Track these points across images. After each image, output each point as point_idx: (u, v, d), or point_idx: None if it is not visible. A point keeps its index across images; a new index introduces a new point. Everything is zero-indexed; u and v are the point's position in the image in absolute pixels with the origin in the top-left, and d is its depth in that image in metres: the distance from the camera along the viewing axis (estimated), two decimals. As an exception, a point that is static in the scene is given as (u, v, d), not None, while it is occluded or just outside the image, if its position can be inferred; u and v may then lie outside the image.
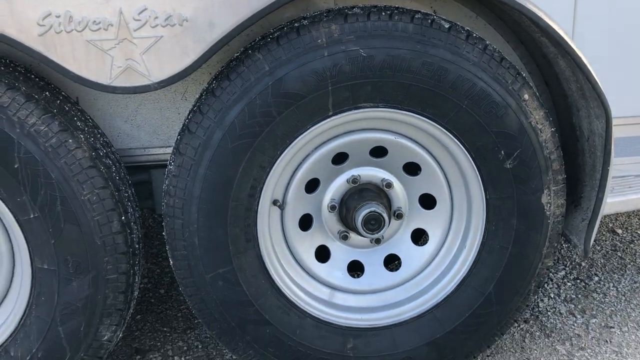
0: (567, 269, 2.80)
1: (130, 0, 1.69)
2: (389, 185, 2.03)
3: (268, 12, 1.74)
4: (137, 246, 1.96)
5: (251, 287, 1.93)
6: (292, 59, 1.77)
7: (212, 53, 1.77)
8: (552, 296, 2.60)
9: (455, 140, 1.90)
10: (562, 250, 2.92)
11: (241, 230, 1.88)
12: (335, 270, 2.10)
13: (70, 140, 1.79)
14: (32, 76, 1.85)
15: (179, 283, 1.96)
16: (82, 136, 1.83)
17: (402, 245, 2.13)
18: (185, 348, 2.42)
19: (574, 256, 2.88)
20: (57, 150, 1.77)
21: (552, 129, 1.91)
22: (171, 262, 1.94)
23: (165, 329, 2.54)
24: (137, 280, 2.00)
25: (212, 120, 1.80)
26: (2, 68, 1.78)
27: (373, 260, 2.13)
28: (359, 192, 2.03)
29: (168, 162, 1.90)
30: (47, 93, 1.83)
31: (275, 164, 1.86)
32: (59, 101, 1.85)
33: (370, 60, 1.77)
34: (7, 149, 1.73)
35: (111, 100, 2.05)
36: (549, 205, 1.94)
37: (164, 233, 1.93)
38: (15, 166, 1.75)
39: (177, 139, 1.89)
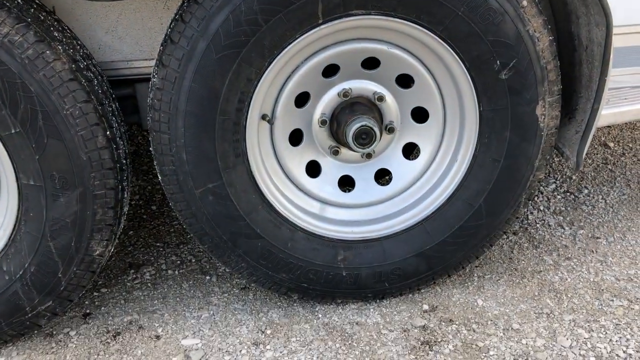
0: (557, 182, 2.81)
1: None
2: (381, 98, 1.98)
3: None
4: (124, 161, 1.92)
5: (242, 202, 1.92)
6: (278, -38, 1.66)
7: (193, -45, 1.65)
8: (541, 209, 2.63)
9: (450, 50, 1.83)
10: (553, 164, 2.92)
11: (230, 145, 1.85)
12: (326, 185, 2.09)
13: (47, 52, 1.71)
14: (2, -18, 1.74)
15: (168, 199, 1.95)
16: (60, 47, 1.74)
17: (393, 159, 2.11)
18: (178, 262, 2.45)
19: (565, 169, 2.88)
20: (34, 62, 1.69)
21: (550, 38, 1.84)
22: (160, 178, 1.92)
23: (158, 244, 2.56)
24: (126, 195, 1.98)
25: (195, 29, 1.71)
26: (-31, -27, 1.66)
27: (364, 174, 2.12)
28: (350, 105, 1.98)
29: (151, 75, 1.83)
30: (19, 1, 1.72)
31: (263, 77, 1.80)
32: (32, 9, 1.75)
33: (361, -37, 1.67)
34: (-19, 61, 1.65)
35: (90, 9, 1.94)
36: (543, 117, 1.90)
37: (151, 148, 1.89)
38: (-8, 79, 1.67)
39: (159, 50, 1.81)
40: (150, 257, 2.49)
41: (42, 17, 1.76)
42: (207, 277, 2.36)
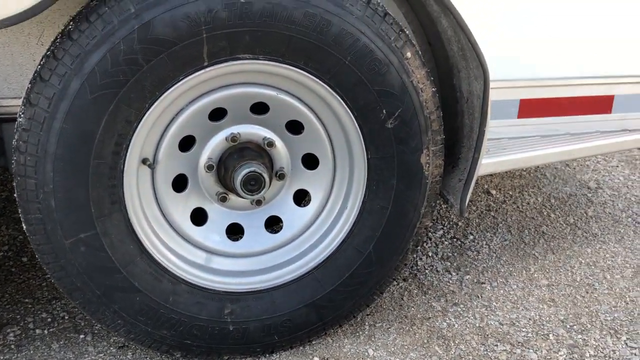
0: (445, 228, 2.89)
1: None
2: (271, 144, 1.94)
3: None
4: (-17, 210, 1.72)
5: (118, 253, 1.77)
6: (161, 1, 1.60)
7: (67, -11, 1.55)
8: (430, 254, 2.68)
9: (338, 97, 1.84)
10: (440, 211, 3.01)
11: (105, 191, 1.71)
12: (212, 234, 1.99)
13: None
14: None
15: (34, 250, 1.76)
16: None
17: (284, 206, 2.06)
18: (49, 319, 2.22)
19: (452, 216, 2.98)
20: None
21: (433, 89, 1.91)
22: (24, 227, 1.74)
23: (26, 300, 2.32)
24: (-16, 248, 1.77)
25: (69, 67, 1.60)
26: None
27: (254, 222, 2.05)
28: (239, 151, 1.92)
29: (18, 115, 1.67)
30: None
31: (144, 119, 1.70)
32: None
33: (249, 7, 1.65)
34: None
35: (-51, 41, 1.77)
36: (427, 165, 1.95)
37: (15, 195, 1.71)
38: None
39: (27, 87, 1.66)
40: (16, 315, 2.23)
41: None
42: (82, 336, 2.15)
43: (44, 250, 1.74)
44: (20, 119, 1.65)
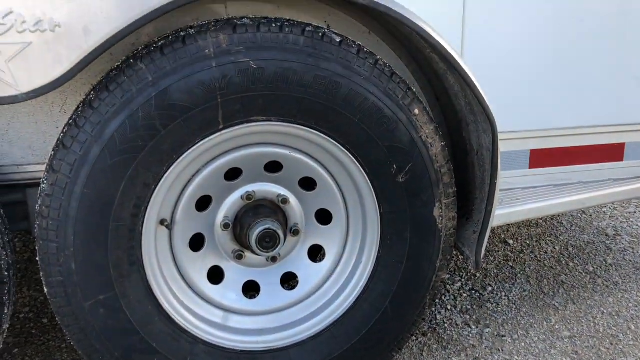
0: (463, 280, 2.87)
1: (-7, 1, 1.53)
2: (285, 201, 1.98)
3: (149, 20, 1.63)
4: (6, 274, 1.76)
5: (136, 314, 1.79)
6: (177, 70, 1.67)
7: (89, 62, 1.64)
8: (449, 308, 2.65)
9: (349, 154, 1.88)
10: (458, 262, 2.99)
11: (124, 253, 1.75)
12: (229, 292, 2.00)
13: None
14: None
15: (55, 313, 1.79)
16: (-63, 152, 1.63)
17: (299, 262, 2.08)
18: (68, 383, 2.23)
19: (469, 267, 2.96)
20: None
21: (442, 143, 1.94)
22: (46, 290, 1.77)
23: (46, 362, 2.33)
24: (6, 311, 1.80)
25: (90, 134, 1.66)
26: None
27: (269, 279, 2.06)
28: (254, 208, 1.96)
29: (41, 181, 1.74)
30: None
31: (162, 181, 1.75)
32: None
33: (261, 73, 1.72)
34: None
35: (-23, 112, 1.85)
36: (440, 218, 1.96)
37: (37, 258, 1.76)
38: None
39: (50, 155, 1.73)
40: (35, 378, 2.25)
41: None
42: (100, 398, 2.14)
43: (64, 313, 1.77)
44: (44, 185, 1.71)
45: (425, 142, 1.89)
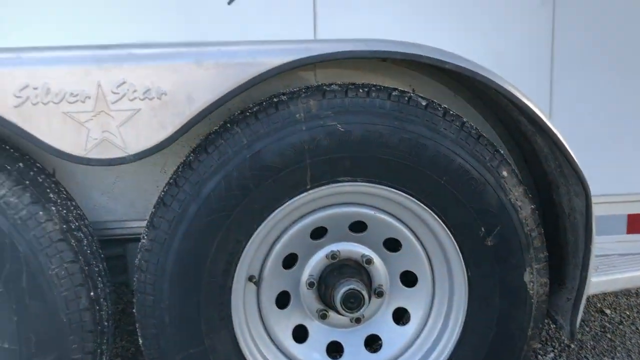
0: (555, 350, 2.70)
1: (110, 73, 1.70)
2: (369, 261, 1.99)
3: (246, 88, 1.75)
4: (106, 324, 1.87)
5: (223, 369, 1.83)
6: (270, 133, 1.77)
7: (190, 126, 1.76)
8: (541, 380, 2.50)
9: (435, 216, 1.87)
10: (550, 331, 2.83)
11: (215, 308, 1.81)
12: (313, 352, 2.01)
13: (41, 213, 1.75)
14: (7, 147, 1.83)
15: (147, 364, 1.86)
16: (54, 208, 1.79)
17: (383, 324, 2.05)
18: None
19: (563, 337, 2.79)
20: (26, 223, 1.72)
21: (532, 206, 1.90)
22: (141, 342, 1.85)
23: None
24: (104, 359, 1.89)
25: (188, 193, 1.77)
26: (-24, 139, 1.76)
27: (353, 340, 2.05)
28: (339, 268, 1.98)
29: (141, 236, 1.86)
30: (20, 164, 1.80)
31: (252, 239, 1.82)
32: (32, 172, 1.82)
33: (348, 135, 1.78)
34: (-27, 221, 1.68)
35: (89, 172, 2.02)
36: (531, 283, 1.89)
37: (134, 310, 1.85)
38: (-19, 239, 1.69)
39: (151, 212, 1.85)
40: None
41: (41, 180, 1.83)
42: None
43: (156, 365, 1.84)
44: (144, 240, 1.83)
45: (514, 205, 1.85)
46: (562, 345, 2.75)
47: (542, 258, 1.91)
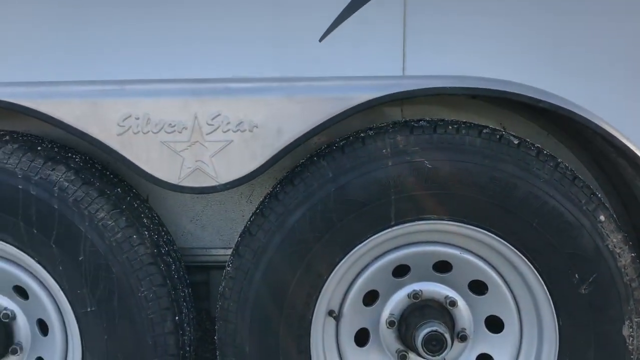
0: (655, 414, 2.47)
1: (206, 105, 1.77)
2: (453, 303, 1.92)
3: (334, 122, 1.77)
4: (188, 348, 1.91)
5: (300, 404, 1.81)
6: (355, 167, 1.77)
7: (279, 158, 1.80)
8: None
9: (525, 259, 1.80)
10: (649, 392, 2.60)
11: (293, 341, 1.81)
12: (391, 394, 1.95)
13: (134, 236, 1.83)
14: (108, 173, 1.95)
15: (225, 392, 1.87)
16: (146, 233, 1.87)
17: (465, 370, 1.97)
18: None
19: (664, 400, 2.55)
20: (121, 245, 1.80)
21: (633, 254, 1.78)
22: (220, 369, 1.87)
23: None
24: (183, 385, 1.93)
25: (273, 224, 1.80)
26: (81, 164, 1.88)
27: (434, 384, 1.97)
28: (421, 308, 1.93)
29: (226, 264, 1.90)
30: (119, 189, 1.90)
31: (333, 273, 1.81)
32: (129, 198, 1.92)
33: (435, 172, 1.75)
34: (74, 242, 1.79)
35: (179, 199, 2.11)
36: (631, 338, 1.76)
37: (215, 337, 1.88)
38: (80, 259, 1.79)
39: (237, 240, 1.89)
40: None
41: (136, 205, 1.92)
42: None
43: (234, 393, 1.84)
44: (228, 268, 1.86)
45: (612, 252, 1.74)
46: (662, 408, 2.51)
47: (644, 311, 1.77)
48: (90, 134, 1.78)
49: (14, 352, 1.90)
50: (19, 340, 1.92)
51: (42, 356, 1.94)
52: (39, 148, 1.86)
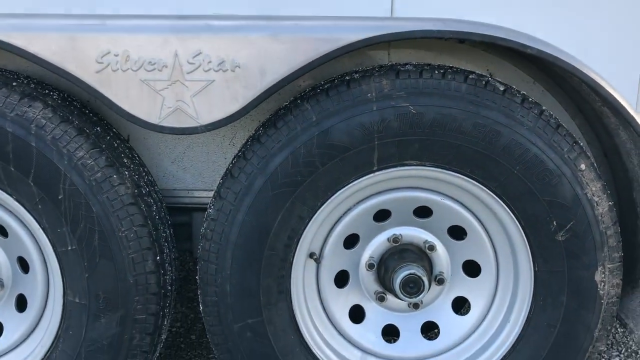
0: (621, 355, 2.59)
1: (187, 43, 1.72)
2: (432, 247, 1.95)
3: (320, 63, 1.74)
4: (169, 288, 1.93)
5: (279, 342, 1.86)
6: (340, 111, 1.75)
7: (261, 100, 1.77)
8: (603, 384, 2.40)
9: (505, 206, 1.82)
10: (616, 335, 2.71)
11: (274, 281, 1.83)
12: (368, 333, 2.00)
13: (114, 176, 1.81)
14: (87, 111, 1.90)
15: (207, 331, 1.91)
16: (127, 173, 1.85)
17: (441, 312, 2.02)
18: (209, 400, 2.35)
19: (631, 342, 2.66)
20: (100, 185, 1.79)
21: (610, 203, 1.80)
22: (201, 308, 1.90)
23: (191, 377, 2.48)
24: (165, 323, 1.96)
25: (255, 167, 1.79)
26: (59, 101, 1.83)
27: (410, 325, 2.03)
28: (400, 252, 1.96)
29: (208, 206, 1.89)
30: (98, 128, 1.87)
31: (315, 216, 1.82)
32: (109, 137, 1.89)
33: (419, 118, 1.74)
34: (53, 180, 1.76)
35: (160, 140, 2.08)
36: (602, 283, 1.81)
37: (197, 277, 1.90)
38: (60, 197, 1.77)
39: (219, 183, 1.88)
40: (180, 390, 2.40)
41: (116, 144, 1.90)
42: (236, 420, 2.22)
43: (215, 332, 1.88)
44: (210, 210, 1.86)
45: (590, 200, 1.77)
46: (629, 350, 2.62)
47: (617, 258, 1.82)
48: (67, 70, 1.73)
49: (-5, 288, 1.91)
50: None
51: (24, 293, 1.95)
52: (14, 84, 1.81)
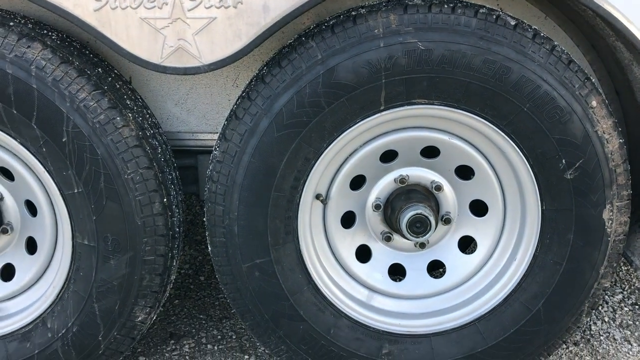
0: (625, 292, 2.62)
1: (187, -21, 1.66)
2: (439, 187, 1.94)
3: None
4: (177, 229, 1.94)
5: (287, 281, 1.88)
6: (346, 48, 1.71)
7: (265, 38, 1.73)
8: (606, 320, 2.44)
9: (514, 144, 1.79)
10: (620, 273, 2.74)
11: (281, 222, 1.84)
12: (375, 272, 2.02)
13: (118, 118, 1.79)
14: (87, 52, 1.86)
15: (216, 271, 1.94)
16: (130, 115, 1.83)
17: (447, 251, 2.04)
18: (219, 337, 2.40)
19: (634, 280, 2.69)
20: (104, 127, 1.77)
21: (620, 141, 1.78)
22: (209, 249, 1.92)
23: (201, 316, 2.53)
24: (174, 264, 1.98)
25: (260, 108, 1.76)
26: (59, 42, 1.79)
27: (416, 265, 2.05)
28: (406, 192, 1.95)
29: (213, 148, 1.88)
30: (99, 70, 1.83)
31: (321, 157, 1.81)
32: (110, 78, 1.85)
33: (428, 54, 1.69)
34: (56, 123, 1.75)
35: (163, 82, 2.04)
36: (610, 221, 1.80)
37: (204, 219, 1.91)
38: (63, 140, 1.76)
39: (223, 124, 1.86)
40: (192, 328, 2.45)
41: (118, 86, 1.86)
42: (246, 357, 2.29)
43: (224, 272, 1.90)
44: (215, 152, 1.85)
45: (600, 138, 1.74)
46: (632, 287, 2.66)
47: (625, 196, 1.80)
48: (65, 9, 1.68)
49: (5, 231, 1.93)
50: (8, 220, 1.94)
51: (34, 236, 1.97)
52: (11, 24, 1.76)
